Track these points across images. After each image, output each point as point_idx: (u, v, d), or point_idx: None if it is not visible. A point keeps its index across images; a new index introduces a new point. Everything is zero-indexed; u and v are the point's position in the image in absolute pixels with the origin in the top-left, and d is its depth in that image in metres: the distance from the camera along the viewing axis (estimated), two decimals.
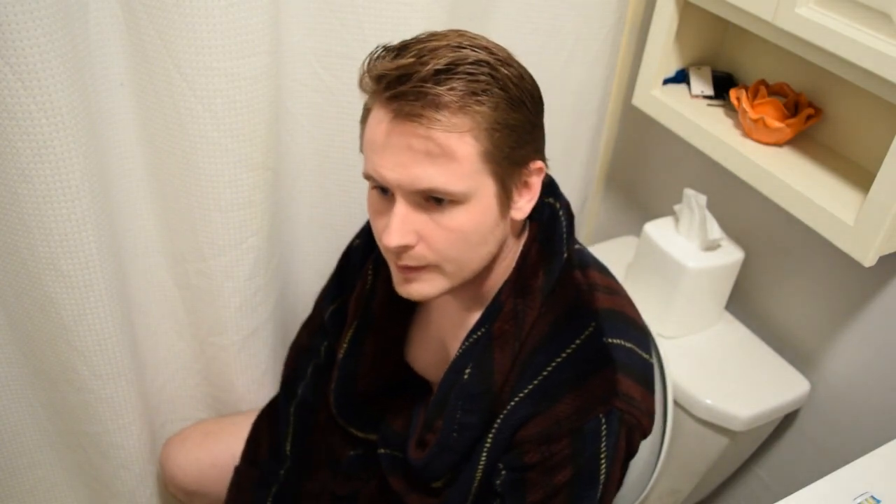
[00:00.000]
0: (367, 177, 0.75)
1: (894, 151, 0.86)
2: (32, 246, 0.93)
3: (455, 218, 0.73)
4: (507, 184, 0.75)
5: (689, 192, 1.15)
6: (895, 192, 0.87)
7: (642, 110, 1.23)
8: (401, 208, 0.73)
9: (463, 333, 0.86)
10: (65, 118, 0.85)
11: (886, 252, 0.94)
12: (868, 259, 0.93)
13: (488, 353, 0.80)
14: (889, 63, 0.84)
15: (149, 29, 0.91)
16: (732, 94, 1.13)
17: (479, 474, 0.83)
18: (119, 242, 1.03)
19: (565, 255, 0.83)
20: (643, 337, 0.86)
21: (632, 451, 0.81)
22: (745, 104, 1.09)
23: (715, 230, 1.13)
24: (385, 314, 0.94)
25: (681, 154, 1.34)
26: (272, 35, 0.95)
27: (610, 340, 0.80)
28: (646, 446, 1.04)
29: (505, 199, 0.75)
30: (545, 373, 0.79)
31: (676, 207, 1.19)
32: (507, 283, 0.82)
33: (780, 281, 1.20)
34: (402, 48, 0.72)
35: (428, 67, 0.68)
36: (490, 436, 0.81)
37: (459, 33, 0.74)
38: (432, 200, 0.72)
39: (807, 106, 1.08)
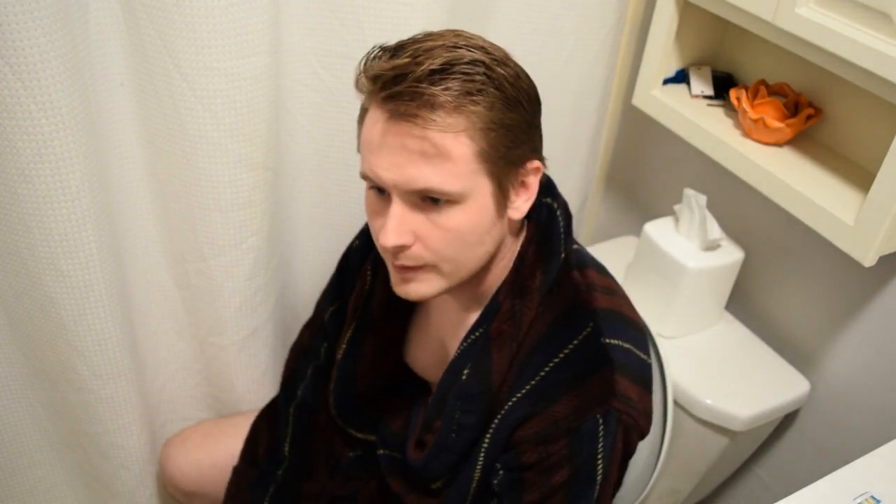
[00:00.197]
0: (364, 177, 0.75)
1: (894, 151, 0.86)
2: (32, 246, 0.93)
3: (451, 218, 0.73)
4: (503, 183, 0.74)
5: (689, 192, 1.15)
6: (895, 192, 0.87)
7: (642, 110, 1.23)
8: (397, 208, 0.73)
9: (462, 333, 0.86)
10: (65, 118, 0.85)
11: (886, 252, 0.94)
12: (868, 259, 0.93)
13: (486, 354, 0.80)
14: (889, 63, 0.84)
15: (149, 29, 0.91)
16: (732, 94, 1.13)
17: (477, 474, 0.83)
18: (119, 242, 1.03)
19: (563, 255, 0.83)
20: (641, 337, 0.86)
21: (629, 452, 0.81)
22: (745, 104, 1.09)
23: (715, 230, 1.13)
24: (384, 314, 0.94)
25: (681, 154, 1.34)
26: (272, 35, 0.95)
27: (608, 341, 0.80)
28: (646, 446, 1.04)
29: (502, 199, 0.75)
30: (543, 373, 0.79)
31: (676, 207, 1.19)
32: (504, 283, 0.82)
33: (780, 281, 1.20)
34: (398, 48, 0.72)
35: (423, 67, 0.68)
36: (488, 436, 0.81)
37: (456, 33, 0.73)
38: (429, 200, 0.72)
39: (807, 106, 1.08)
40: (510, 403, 0.80)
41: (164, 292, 1.14)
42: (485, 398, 0.81)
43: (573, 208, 1.30)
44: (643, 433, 0.81)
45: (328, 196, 1.18)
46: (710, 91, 1.21)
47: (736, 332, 1.24)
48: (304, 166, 1.14)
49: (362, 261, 0.98)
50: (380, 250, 0.79)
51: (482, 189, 0.73)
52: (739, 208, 1.23)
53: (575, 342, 0.79)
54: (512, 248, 0.83)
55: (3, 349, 1.05)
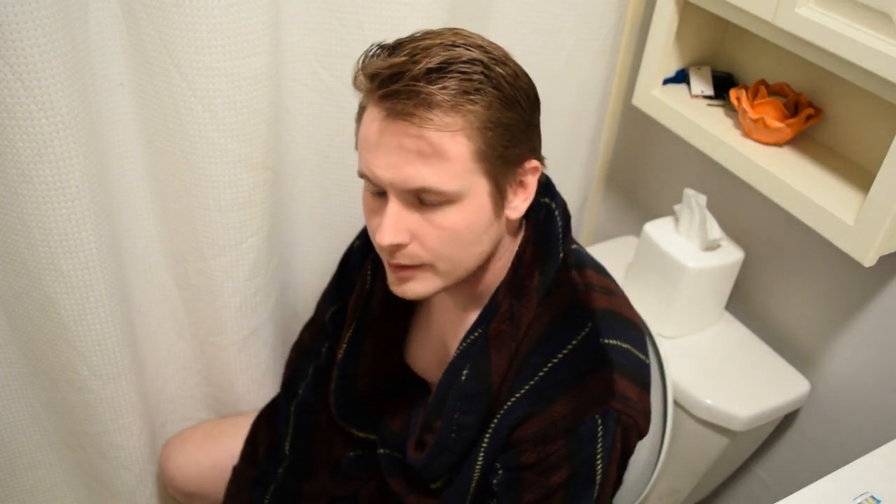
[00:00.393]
0: (361, 175, 0.75)
1: (894, 151, 0.86)
2: (32, 246, 0.93)
3: (448, 217, 0.73)
4: (500, 183, 0.74)
5: (689, 192, 1.15)
6: (895, 192, 0.87)
7: (642, 110, 1.23)
8: (394, 207, 0.73)
9: (461, 333, 0.86)
10: (65, 118, 0.85)
11: (886, 252, 0.94)
12: (868, 259, 0.93)
13: (485, 354, 0.80)
14: (889, 63, 0.84)
15: (149, 29, 0.91)
16: (732, 94, 1.13)
17: (476, 474, 0.83)
18: (119, 242, 1.03)
19: (561, 255, 0.83)
20: (640, 337, 0.86)
21: (628, 452, 0.81)
22: (745, 104, 1.09)
23: (715, 230, 1.13)
24: (384, 314, 0.94)
25: (681, 154, 1.34)
26: (272, 35, 0.95)
27: (606, 341, 0.80)
28: (646, 446, 1.04)
29: (499, 199, 0.75)
30: (542, 373, 0.79)
31: (676, 207, 1.19)
32: (503, 283, 0.82)
33: (780, 281, 1.20)
34: (395, 46, 0.72)
35: (420, 66, 0.68)
36: (487, 436, 0.81)
37: (455, 32, 0.73)
38: (425, 199, 0.72)
39: (807, 106, 1.08)
40: (509, 403, 0.80)
41: (164, 292, 1.14)
42: (484, 398, 0.81)
43: (573, 208, 1.31)
44: (642, 433, 0.81)
45: (328, 196, 1.18)
46: (710, 91, 1.21)
47: (736, 332, 1.24)
48: (304, 166, 1.14)
49: (362, 261, 0.98)
50: (377, 249, 0.79)
51: (479, 188, 0.73)
52: (739, 208, 1.23)
53: (574, 342, 0.79)
54: (510, 248, 0.83)
55: (3, 349, 1.05)
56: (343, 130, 1.11)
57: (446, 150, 0.70)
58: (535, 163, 0.77)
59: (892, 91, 0.86)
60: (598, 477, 0.78)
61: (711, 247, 1.16)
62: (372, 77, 0.71)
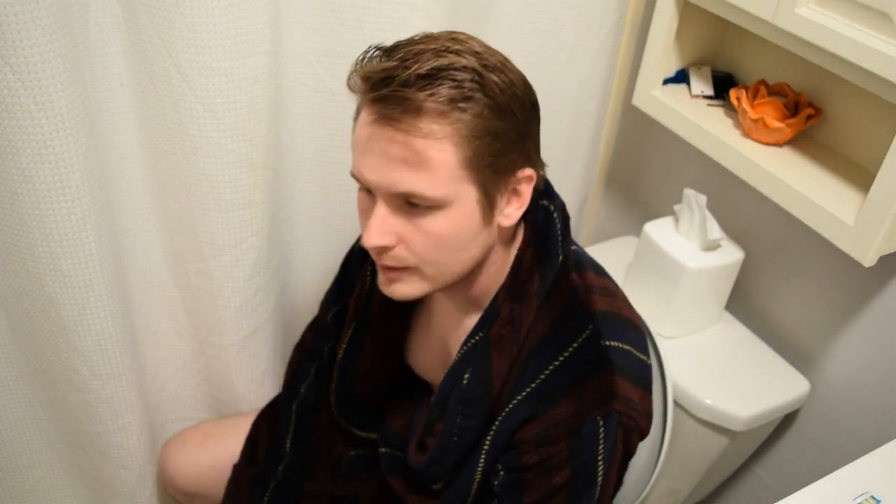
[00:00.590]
0: (353, 176, 0.76)
1: (894, 151, 0.86)
2: (32, 246, 0.93)
3: (435, 222, 0.73)
4: (490, 191, 0.74)
5: (689, 192, 1.15)
6: (895, 192, 0.87)
7: (642, 110, 1.23)
8: (380, 210, 0.73)
9: (462, 334, 0.86)
10: (65, 118, 0.85)
11: (886, 252, 0.94)
12: (868, 259, 0.93)
13: (486, 358, 0.80)
14: (889, 63, 0.84)
15: (149, 29, 0.91)
16: (732, 94, 1.13)
17: (478, 476, 0.83)
18: (119, 242, 1.03)
19: (560, 257, 0.83)
20: (640, 338, 0.86)
21: (630, 453, 0.81)
22: (745, 104, 1.09)
23: (715, 230, 1.13)
24: (384, 314, 0.94)
25: (681, 154, 1.34)
26: (272, 35, 0.95)
27: (607, 343, 0.80)
28: (646, 446, 1.04)
29: (488, 207, 0.75)
30: (543, 376, 0.79)
31: (676, 207, 1.19)
32: (502, 287, 0.81)
33: (780, 281, 1.20)
34: (391, 50, 0.72)
35: (409, 72, 0.68)
36: (489, 438, 0.81)
37: (453, 37, 0.73)
38: (412, 204, 0.72)
39: (807, 106, 1.08)
40: (511, 406, 0.80)
41: (164, 292, 1.14)
42: (485, 402, 0.81)
43: (573, 208, 1.30)
44: (643, 434, 0.81)
45: (328, 196, 1.18)
46: (710, 91, 1.21)
47: (736, 332, 1.24)
48: (304, 166, 1.14)
49: (363, 262, 0.98)
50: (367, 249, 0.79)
51: (467, 196, 0.73)
52: (739, 208, 1.23)
53: (575, 345, 0.79)
54: (505, 253, 0.82)
55: (3, 349, 1.05)
56: (343, 130, 1.11)
57: (432, 157, 0.70)
58: (528, 172, 0.76)
59: (892, 91, 0.86)
60: (600, 478, 0.78)
61: (711, 247, 1.16)
62: (364, 79, 0.71)
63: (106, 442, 1.11)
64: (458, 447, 0.83)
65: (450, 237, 0.74)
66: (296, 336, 1.14)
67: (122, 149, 1.00)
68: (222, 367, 1.19)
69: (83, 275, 0.96)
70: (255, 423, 1.12)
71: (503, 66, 0.72)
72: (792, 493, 0.79)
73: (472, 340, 0.82)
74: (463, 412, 0.81)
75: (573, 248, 0.88)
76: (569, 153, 1.35)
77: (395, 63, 0.69)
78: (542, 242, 0.82)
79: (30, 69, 0.81)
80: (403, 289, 0.78)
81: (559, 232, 0.83)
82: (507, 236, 0.82)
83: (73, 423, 1.10)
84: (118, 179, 1.01)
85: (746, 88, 1.13)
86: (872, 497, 0.78)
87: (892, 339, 1.05)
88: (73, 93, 0.85)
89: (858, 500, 0.78)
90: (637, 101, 1.24)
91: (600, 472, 0.78)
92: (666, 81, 1.23)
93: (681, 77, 1.23)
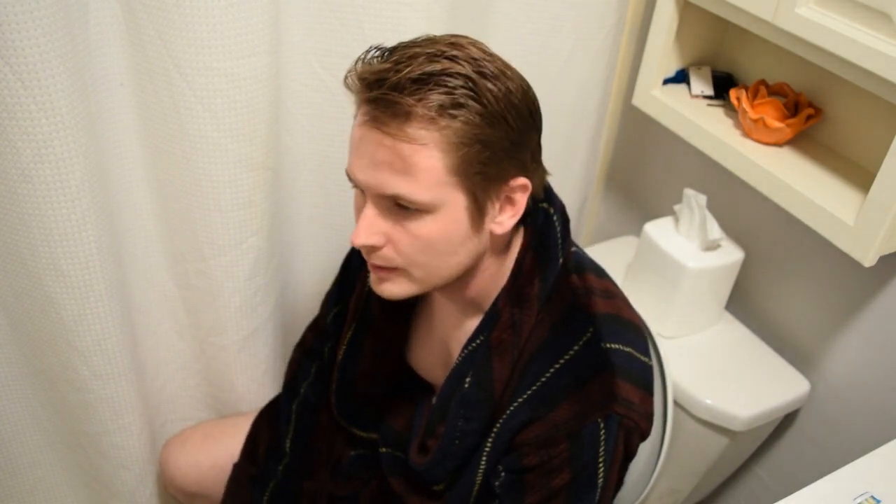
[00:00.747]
0: (347, 174, 0.76)
1: (894, 151, 0.86)
2: (32, 246, 0.93)
3: (422, 226, 0.73)
4: (480, 198, 0.73)
5: (689, 192, 1.15)
6: (895, 192, 0.87)
7: (642, 110, 1.23)
8: (369, 210, 0.74)
9: (462, 336, 0.86)
10: (65, 118, 0.85)
11: (886, 252, 0.94)
12: (868, 259, 0.93)
13: (487, 362, 0.80)
14: (889, 63, 0.84)
15: (149, 29, 0.91)
16: (732, 94, 1.13)
17: (479, 477, 0.83)
18: (119, 242, 1.03)
19: (561, 260, 0.82)
20: (641, 339, 0.86)
21: (631, 454, 0.81)
22: (745, 104, 1.09)
23: (715, 230, 1.13)
24: (384, 315, 0.94)
25: (681, 154, 1.34)
26: (272, 35, 0.95)
27: (608, 345, 0.80)
28: (646, 447, 1.04)
29: (477, 213, 0.74)
30: (544, 378, 0.79)
31: (676, 207, 1.19)
32: (503, 291, 0.81)
33: (780, 281, 1.20)
34: (389, 51, 0.72)
35: (400, 76, 0.68)
36: (490, 440, 0.81)
37: (453, 41, 0.72)
38: (401, 206, 0.72)
39: (807, 106, 1.08)
40: (512, 408, 0.80)
41: (164, 292, 1.14)
42: (487, 405, 0.81)
43: (573, 209, 1.30)
44: (644, 435, 0.81)
45: (328, 196, 1.18)
46: (710, 91, 1.21)
47: (736, 332, 1.24)
48: (304, 166, 1.14)
49: (363, 262, 0.98)
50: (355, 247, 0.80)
51: (455, 202, 0.72)
52: (739, 208, 1.23)
53: (576, 348, 0.79)
54: (500, 259, 0.82)
55: (3, 349, 1.05)
56: (343, 130, 1.10)
57: (418, 162, 0.70)
58: (522, 181, 0.75)
59: (892, 91, 0.86)
60: (600, 480, 0.78)
61: (711, 247, 1.16)
62: (359, 80, 0.71)
63: (106, 442, 1.11)
64: (460, 450, 0.83)
65: (437, 241, 0.74)
66: (296, 336, 1.14)
67: (122, 149, 1.00)
68: (222, 367, 1.19)
69: (83, 275, 0.96)
70: (255, 422, 1.12)
71: (501, 73, 0.71)
72: (792, 493, 0.79)
73: (473, 344, 0.82)
74: (464, 415, 0.82)
75: (573, 249, 0.88)
76: (569, 153, 1.35)
77: (388, 66, 0.69)
78: (542, 246, 0.82)
79: (30, 69, 0.81)
80: (392, 288, 0.79)
81: (559, 235, 0.83)
82: (502, 243, 0.81)
83: (73, 423, 1.10)
84: (118, 179, 1.01)
85: (746, 88, 1.13)
86: (872, 497, 0.78)
87: (892, 339, 1.05)
88: (73, 93, 0.85)
89: (858, 500, 0.78)
90: (637, 101, 1.24)
91: (601, 474, 0.78)
92: (666, 81, 1.23)
93: (681, 77, 1.23)
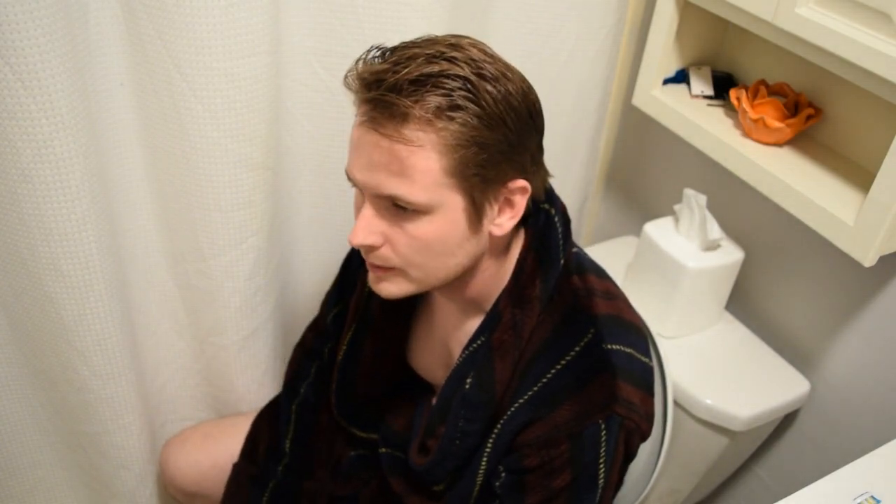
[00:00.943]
0: (346, 173, 0.76)
1: (894, 151, 0.86)
2: (32, 246, 0.93)
3: (419, 227, 0.73)
4: (478, 200, 0.73)
5: (689, 192, 1.15)
6: (895, 192, 0.87)
7: (642, 110, 1.23)
8: (367, 210, 0.74)
9: (463, 336, 0.86)
10: (65, 118, 0.85)
11: (886, 252, 0.94)
12: (868, 259, 0.93)
13: (488, 363, 0.80)
14: (889, 63, 0.84)
15: (149, 29, 0.91)
16: (732, 94, 1.13)
17: (479, 478, 0.83)
18: (119, 242, 1.03)
19: (562, 261, 0.82)
20: (642, 340, 0.86)
21: (631, 455, 0.81)
22: (745, 104, 1.09)
23: (715, 230, 1.13)
24: (384, 315, 0.95)
25: (681, 154, 1.34)
26: (272, 35, 0.95)
27: (609, 346, 0.80)
28: (646, 447, 1.03)
29: (475, 215, 0.74)
30: (545, 379, 0.79)
31: (676, 207, 1.19)
32: (504, 292, 0.81)
33: (780, 281, 1.20)
34: (389, 51, 0.72)
35: (398, 76, 0.68)
36: (490, 441, 0.81)
37: (453, 42, 0.72)
38: (398, 207, 0.72)
39: (807, 106, 1.08)
40: (512, 409, 0.80)
41: (164, 292, 1.14)
42: (488, 407, 0.81)
43: (573, 209, 1.31)
44: (645, 436, 0.81)
45: (328, 196, 1.18)
46: (710, 91, 1.21)
47: (736, 332, 1.24)
48: (304, 166, 1.14)
49: (363, 262, 0.98)
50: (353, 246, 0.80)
51: (452, 203, 0.72)
52: (739, 208, 1.23)
53: (577, 349, 0.79)
54: (499, 260, 0.82)
55: (3, 349, 1.05)
56: (343, 130, 1.10)
57: (414, 164, 0.69)
58: (522, 183, 0.75)
59: (892, 91, 0.86)
60: (601, 481, 0.78)
61: (711, 247, 1.16)
62: (358, 79, 0.71)
63: (106, 442, 1.11)
64: (460, 450, 0.83)
65: (434, 242, 0.74)
66: (296, 336, 1.14)
67: (122, 149, 1.00)
68: (222, 367, 1.19)
69: (83, 275, 0.96)
70: (255, 422, 1.12)
71: (501, 75, 0.71)
72: (792, 493, 0.79)
73: (474, 345, 0.82)
74: (465, 416, 0.82)
75: (574, 250, 0.88)
76: (569, 153, 1.35)
77: (387, 66, 0.69)
78: (544, 247, 0.82)
79: (30, 69, 0.81)
80: (390, 288, 0.79)
81: (560, 236, 0.83)
82: (502, 244, 0.81)
83: (73, 423, 1.10)
84: (118, 179, 1.01)
85: (746, 88, 1.13)
86: (872, 497, 0.78)
87: (892, 339, 1.05)
88: (73, 93, 0.85)
89: (858, 500, 0.78)
90: (637, 101, 1.24)
91: (601, 475, 0.78)
92: (666, 81, 1.23)
93: (681, 77, 1.23)
